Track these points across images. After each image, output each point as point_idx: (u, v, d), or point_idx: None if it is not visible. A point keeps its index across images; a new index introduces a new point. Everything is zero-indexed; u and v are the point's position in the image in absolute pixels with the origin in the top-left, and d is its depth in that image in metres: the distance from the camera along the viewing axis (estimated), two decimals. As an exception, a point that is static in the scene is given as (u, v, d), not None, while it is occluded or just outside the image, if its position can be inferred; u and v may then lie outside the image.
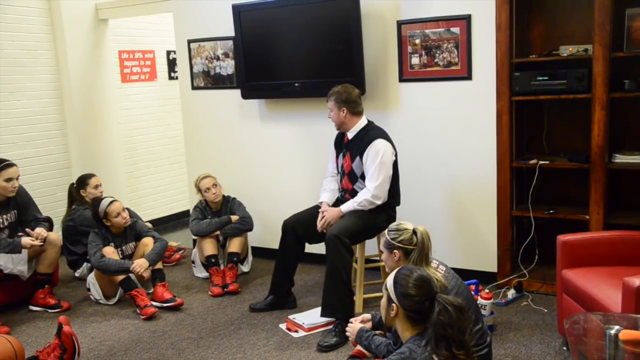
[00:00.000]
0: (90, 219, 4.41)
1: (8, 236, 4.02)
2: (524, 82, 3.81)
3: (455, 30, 4.01)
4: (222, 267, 4.50)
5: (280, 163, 4.91)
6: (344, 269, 3.51)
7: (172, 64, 6.37)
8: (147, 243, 4.29)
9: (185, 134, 5.39)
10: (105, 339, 3.69)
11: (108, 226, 4.22)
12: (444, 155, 4.23)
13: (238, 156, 5.10)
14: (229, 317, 3.91)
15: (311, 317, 3.73)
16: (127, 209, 4.36)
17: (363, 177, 3.73)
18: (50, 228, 4.28)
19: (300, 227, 3.84)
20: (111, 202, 4.20)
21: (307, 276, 4.53)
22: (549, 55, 3.84)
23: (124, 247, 4.29)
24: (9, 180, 3.97)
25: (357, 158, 3.73)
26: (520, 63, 3.89)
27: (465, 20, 3.97)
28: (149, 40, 6.23)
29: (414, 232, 2.69)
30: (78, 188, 4.74)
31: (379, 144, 3.66)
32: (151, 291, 4.21)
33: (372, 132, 3.74)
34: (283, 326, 3.73)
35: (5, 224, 4.05)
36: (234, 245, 4.53)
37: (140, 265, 4.06)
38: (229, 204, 4.72)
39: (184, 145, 5.46)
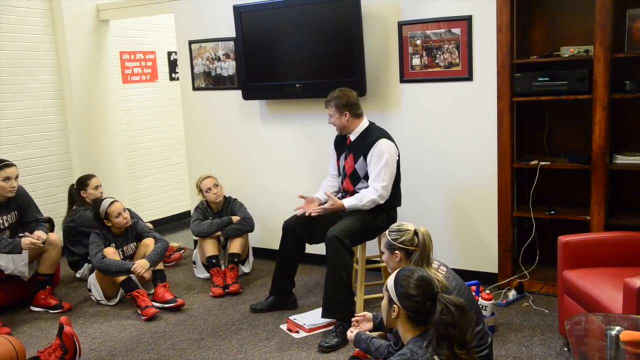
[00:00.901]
0: (91, 219, 4.41)
1: (9, 237, 4.03)
2: (524, 83, 3.81)
3: (456, 31, 4.01)
4: (223, 267, 4.50)
5: (281, 164, 4.91)
6: (345, 269, 3.51)
7: (173, 65, 6.38)
8: (148, 244, 4.29)
9: (186, 135, 5.39)
10: (106, 339, 3.69)
11: (109, 227, 4.22)
12: (444, 156, 4.23)
13: (239, 157, 5.10)
14: (229, 318, 3.91)
15: (312, 317, 3.73)
16: (128, 209, 4.36)
17: (366, 177, 3.73)
18: (51, 229, 4.28)
19: (301, 227, 3.84)
20: (112, 203, 4.21)
21: (307, 277, 4.53)
22: (550, 56, 3.84)
23: (125, 248, 4.30)
24: (7, 179, 3.96)
25: (361, 159, 3.72)
26: (521, 64, 3.89)
27: (466, 21, 3.97)
28: (150, 41, 6.23)
29: (416, 233, 2.69)
30: (78, 189, 4.75)
31: (382, 144, 3.66)
32: (152, 292, 4.22)
33: (375, 133, 3.74)
34: (284, 327, 3.73)
35: (6, 224, 4.05)
36: (235, 246, 4.53)
37: (141, 266, 4.06)
38: (230, 205, 4.72)
39: (185, 146, 5.47)
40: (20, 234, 4.10)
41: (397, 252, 2.69)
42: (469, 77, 4.04)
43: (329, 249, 3.52)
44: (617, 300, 2.70)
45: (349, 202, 3.68)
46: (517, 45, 3.89)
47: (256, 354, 3.39)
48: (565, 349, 3.24)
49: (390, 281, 2.28)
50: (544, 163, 3.88)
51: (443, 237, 4.21)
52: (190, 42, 5.11)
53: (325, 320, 3.63)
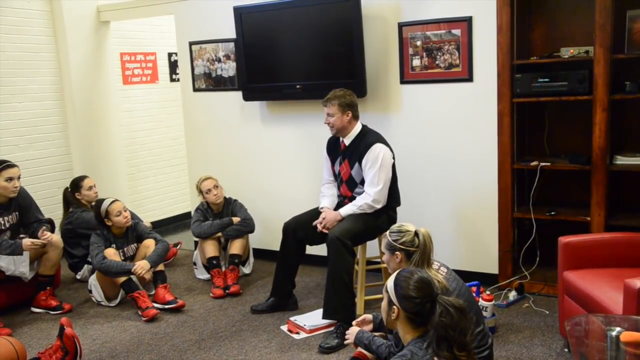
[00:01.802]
0: (88, 220, 4.42)
1: (10, 238, 4.03)
2: (525, 84, 3.82)
3: (457, 32, 4.02)
4: (223, 268, 4.50)
5: (282, 165, 4.92)
6: (346, 270, 3.51)
7: (173, 66, 6.38)
8: (149, 245, 4.29)
9: (187, 136, 5.40)
10: (106, 340, 3.69)
11: (109, 227, 4.23)
12: (445, 157, 4.23)
13: (239, 158, 5.10)
14: (230, 319, 3.91)
15: (312, 318, 3.73)
16: (127, 209, 4.36)
17: (363, 182, 3.73)
18: (51, 230, 4.29)
19: (301, 229, 3.84)
20: (112, 202, 4.22)
21: (308, 278, 4.53)
22: (550, 57, 3.84)
23: (125, 249, 4.30)
24: (9, 180, 3.97)
25: (357, 164, 3.72)
26: (521, 65, 3.89)
27: (467, 22, 3.97)
28: (151, 42, 6.24)
29: (416, 233, 2.69)
30: (73, 191, 4.74)
31: (377, 148, 3.66)
32: (153, 293, 4.22)
33: (369, 137, 3.73)
34: (284, 328, 3.73)
35: (7, 225, 4.06)
36: (236, 247, 4.53)
37: (141, 267, 4.06)
38: (230, 206, 4.72)
39: (185, 147, 5.47)
40: (22, 235, 4.11)
41: (397, 253, 2.69)
42: (469, 78, 4.04)
43: (330, 250, 3.52)
44: (618, 301, 2.70)
45: (344, 210, 3.71)
46: (517, 46, 3.89)
47: (257, 355, 3.40)
48: (566, 349, 3.24)
49: (390, 282, 2.28)
50: (544, 164, 3.88)
51: (443, 238, 4.21)
52: (191, 43, 5.11)
53: (326, 321, 3.63)
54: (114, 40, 5.81)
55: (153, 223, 5.60)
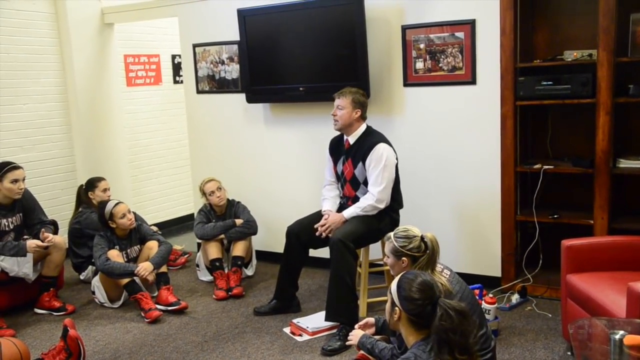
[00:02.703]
0: (96, 222, 4.43)
1: (14, 239, 4.04)
2: (528, 87, 3.82)
3: (460, 35, 4.02)
4: (226, 270, 4.51)
5: (285, 167, 4.92)
6: (349, 273, 3.51)
7: (177, 68, 6.39)
8: (152, 246, 4.30)
9: (190, 138, 5.41)
10: (109, 342, 3.70)
11: (113, 229, 4.24)
12: (448, 160, 4.23)
13: (242, 160, 5.11)
14: (233, 321, 3.92)
15: (315, 321, 3.73)
16: (131, 211, 4.37)
17: (366, 182, 3.73)
18: (55, 231, 4.30)
19: (305, 233, 3.84)
20: (117, 204, 4.23)
21: (311, 280, 4.53)
22: (554, 60, 3.84)
23: (128, 250, 4.31)
24: (15, 182, 3.99)
25: (360, 164, 3.72)
26: (524, 68, 3.89)
27: (470, 25, 3.97)
28: (155, 44, 6.26)
29: (422, 239, 2.69)
30: (87, 190, 4.77)
31: (381, 148, 3.66)
32: (155, 294, 4.22)
33: (372, 137, 3.74)
34: (287, 330, 3.73)
35: (11, 226, 4.07)
36: (238, 249, 4.54)
37: (144, 268, 4.07)
38: (233, 208, 4.73)
39: (189, 149, 5.48)
40: (25, 237, 4.12)
41: (404, 258, 2.69)
42: (472, 81, 4.04)
43: (333, 252, 3.53)
44: (621, 305, 2.70)
45: (348, 212, 3.71)
46: (521, 49, 3.89)
47: (259, 357, 3.40)
48: (569, 353, 3.24)
49: (394, 284, 2.29)
50: (547, 167, 3.88)
51: (446, 241, 4.20)
52: (195, 46, 5.13)
53: (329, 324, 3.63)
54: (118, 42, 5.83)
55: (156, 225, 5.62)
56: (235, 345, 3.57)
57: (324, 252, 3.94)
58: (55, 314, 4.13)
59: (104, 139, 5.73)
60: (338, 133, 3.96)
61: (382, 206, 3.67)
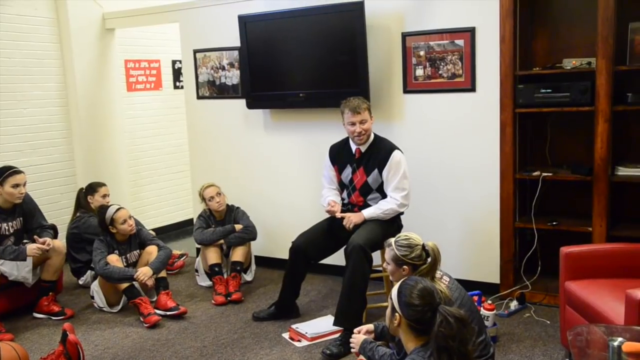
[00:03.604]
0: (95, 226, 4.43)
1: (13, 243, 4.05)
2: (527, 95, 3.84)
3: (460, 42, 4.04)
4: (225, 276, 4.51)
5: (285, 173, 4.93)
6: (364, 280, 3.51)
7: (177, 74, 6.41)
8: (151, 251, 4.30)
9: (190, 143, 5.42)
10: (108, 346, 3.70)
11: (113, 233, 4.24)
12: (447, 167, 4.25)
13: (242, 165, 5.12)
14: (232, 326, 3.92)
15: (314, 326, 3.73)
16: (132, 216, 4.38)
17: (379, 189, 3.74)
18: (55, 235, 4.30)
19: (312, 249, 3.83)
20: (118, 209, 4.23)
21: (310, 285, 4.53)
22: (553, 68, 3.86)
23: (128, 255, 4.31)
24: (16, 186, 4.00)
25: (375, 171, 3.72)
26: (523, 75, 3.91)
27: (470, 33, 4.00)
28: (155, 49, 6.27)
29: (424, 247, 2.70)
30: (86, 193, 4.77)
31: (398, 155, 3.70)
32: (155, 299, 4.22)
33: (385, 144, 3.77)
34: (286, 335, 3.73)
35: (11, 231, 4.07)
36: (238, 254, 4.54)
37: (144, 273, 4.07)
38: (232, 213, 4.74)
39: (189, 154, 5.49)
40: (25, 241, 4.12)
41: (405, 266, 2.70)
42: (472, 88, 4.06)
43: (352, 258, 3.48)
44: (619, 312, 2.71)
45: (368, 212, 3.71)
46: (520, 56, 3.92)
47: (258, 362, 3.40)
48: (567, 359, 3.24)
49: (394, 290, 2.31)
50: (546, 174, 3.89)
51: (445, 247, 4.18)
52: (195, 51, 5.14)
53: (327, 329, 3.64)
54: (118, 48, 5.85)
55: (155, 230, 5.63)
56: (234, 350, 3.57)
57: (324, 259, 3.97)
58: (54, 318, 4.13)
59: (104, 144, 5.74)
60: (338, 140, 3.97)
61: (403, 210, 3.72)
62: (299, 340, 3.64)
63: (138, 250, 4.38)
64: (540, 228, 3.96)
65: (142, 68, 6.15)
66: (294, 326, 3.76)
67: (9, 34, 5.07)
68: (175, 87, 6.46)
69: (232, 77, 5.00)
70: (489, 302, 3.66)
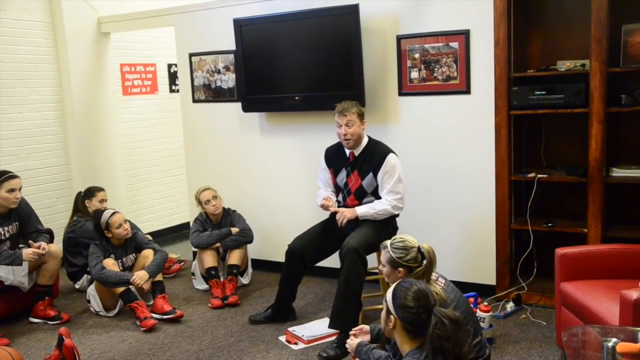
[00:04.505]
0: (91, 230, 4.43)
1: (9, 248, 4.04)
2: (522, 97, 3.85)
3: (454, 45, 4.06)
4: (222, 279, 4.51)
5: (281, 176, 4.94)
6: (359, 282, 3.51)
7: (173, 77, 6.41)
8: (148, 255, 4.30)
9: (186, 147, 5.42)
10: (105, 350, 3.69)
11: (109, 238, 4.24)
12: (442, 169, 4.26)
13: (238, 169, 5.12)
14: (228, 329, 3.92)
15: (311, 329, 3.74)
16: (127, 220, 4.38)
17: (374, 192, 3.74)
18: (50, 240, 4.29)
19: (309, 251, 3.83)
20: (113, 214, 4.23)
21: (306, 288, 4.54)
22: (547, 70, 3.88)
23: (124, 259, 4.31)
24: (11, 191, 3.99)
25: (370, 175, 3.72)
26: (518, 77, 3.93)
27: (464, 35, 4.01)
28: (151, 53, 6.27)
29: (419, 250, 2.70)
30: (84, 198, 4.77)
31: (393, 159, 3.70)
32: (151, 303, 4.22)
33: (379, 147, 3.77)
34: (283, 338, 3.74)
35: (7, 235, 4.07)
36: (234, 258, 4.54)
37: (140, 277, 4.07)
38: (229, 217, 4.74)
39: (185, 157, 5.49)
40: (21, 245, 4.11)
41: (400, 269, 2.70)
42: (466, 91, 4.08)
43: (346, 260, 3.48)
44: (614, 312, 2.72)
45: (361, 210, 3.70)
46: (515, 59, 3.93)
47: (255, 365, 3.40)
48: (563, 361, 3.26)
49: (389, 292, 2.31)
50: (541, 176, 3.90)
51: (441, 249, 4.16)
52: (191, 55, 5.15)
53: (324, 332, 3.64)
54: (114, 52, 5.85)
55: (152, 233, 5.62)
56: (230, 353, 3.57)
57: (321, 262, 3.97)
58: (50, 322, 4.13)
59: (100, 148, 5.74)
60: (333, 143, 3.97)
61: (396, 212, 3.72)
62: (296, 343, 3.65)
63: (134, 254, 4.38)
64: (536, 229, 3.97)
65: (138, 72, 6.15)
66: (290, 329, 3.76)
67: (4, 38, 5.07)
68: (171, 90, 6.46)
69: (228, 80, 5.01)
70: (485, 303, 3.67)
